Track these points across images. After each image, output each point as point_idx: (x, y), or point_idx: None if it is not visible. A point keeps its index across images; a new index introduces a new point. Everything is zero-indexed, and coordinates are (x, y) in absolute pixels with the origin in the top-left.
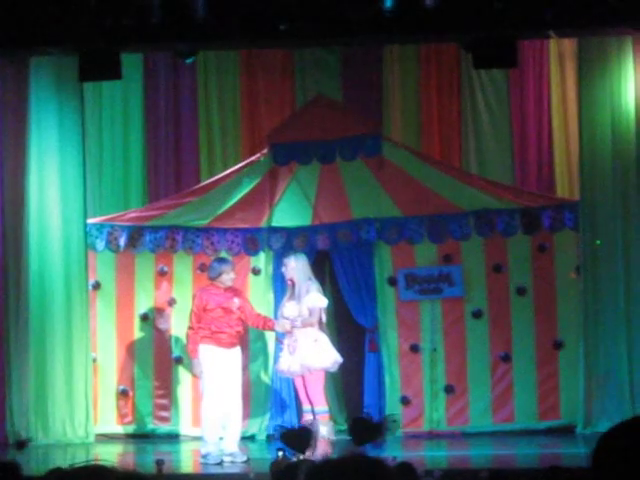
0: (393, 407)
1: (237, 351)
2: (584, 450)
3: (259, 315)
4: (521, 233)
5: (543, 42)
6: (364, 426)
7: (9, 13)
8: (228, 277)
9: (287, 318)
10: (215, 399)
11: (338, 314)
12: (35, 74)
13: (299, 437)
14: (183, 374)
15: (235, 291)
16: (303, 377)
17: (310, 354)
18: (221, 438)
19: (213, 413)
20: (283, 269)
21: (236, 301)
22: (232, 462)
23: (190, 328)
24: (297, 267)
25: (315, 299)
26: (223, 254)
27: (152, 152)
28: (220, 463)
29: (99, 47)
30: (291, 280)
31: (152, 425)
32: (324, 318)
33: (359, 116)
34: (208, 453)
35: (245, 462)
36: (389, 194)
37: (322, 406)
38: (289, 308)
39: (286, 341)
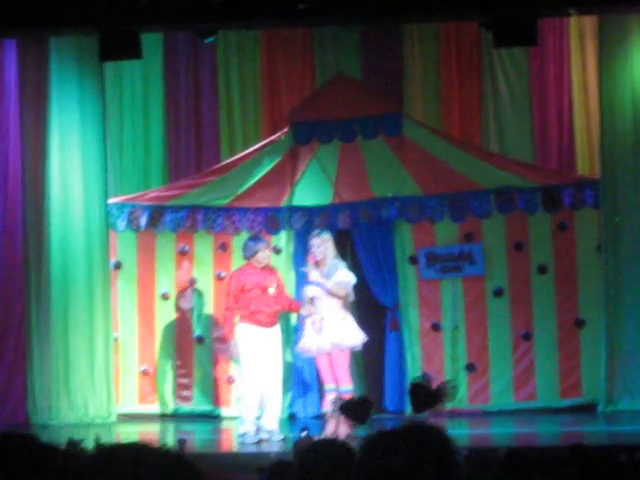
0: None
1: (277, 330)
2: (606, 428)
3: (288, 297)
4: (542, 211)
5: (563, 20)
6: (423, 392)
7: None
8: (264, 255)
9: (312, 298)
10: (255, 379)
11: (359, 293)
12: (55, 54)
13: (359, 407)
14: (204, 353)
15: (271, 270)
16: (329, 356)
17: (341, 332)
18: (258, 417)
19: (253, 393)
20: (314, 249)
21: (273, 280)
22: (270, 440)
23: (228, 309)
24: (327, 246)
25: (346, 275)
26: (244, 233)
27: (172, 132)
28: (258, 442)
29: (119, 27)
30: (315, 260)
31: (174, 405)
32: (352, 296)
33: (380, 94)
34: (245, 433)
35: (282, 440)
36: (410, 172)
37: (347, 385)
38: (314, 287)
39: (309, 320)
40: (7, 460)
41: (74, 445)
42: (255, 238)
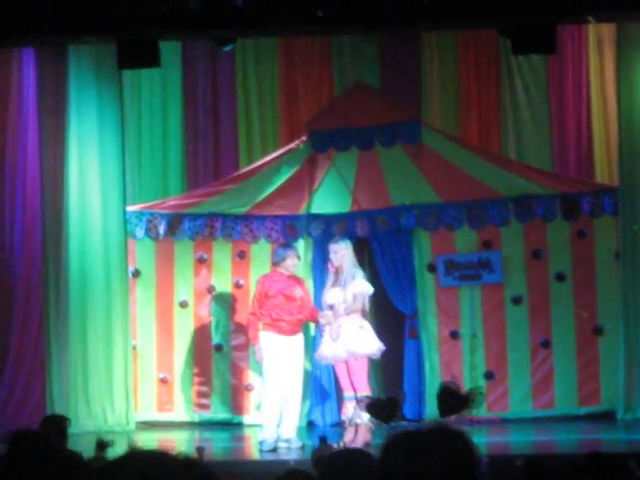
0: (433, 394)
1: (299, 338)
2: (624, 436)
3: (311, 307)
4: (560, 219)
5: (582, 28)
6: (452, 397)
7: (47, 2)
8: (292, 263)
9: (331, 305)
10: (276, 387)
11: (377, 301)
12: (74, 62)
13: (386, 407)
14: (223, 361)
15: (298, 280)
16: (347, 363)
17: (356, 340)
18: (278, 425)
19: (273, 400)
20: (331, 255)
21: (298, 290)
22: (288, 448)
23: (252, 314)
24: (346, 254)
25: (361, 286)
26: (262, 241)
27: (191, 140)
28: (274, 450)
29: (137, 35)
30: (334, 267)
31: (192, 412)
32: (367, 306)
33: (398, 103)
34: (264, 440)
35: (301, 448)
36: (428, 180)
37: (365, 393)
38: (333, 295)
39: (327, 328)
40: (20, 458)
41: (103, 446)
42: (285, 245)
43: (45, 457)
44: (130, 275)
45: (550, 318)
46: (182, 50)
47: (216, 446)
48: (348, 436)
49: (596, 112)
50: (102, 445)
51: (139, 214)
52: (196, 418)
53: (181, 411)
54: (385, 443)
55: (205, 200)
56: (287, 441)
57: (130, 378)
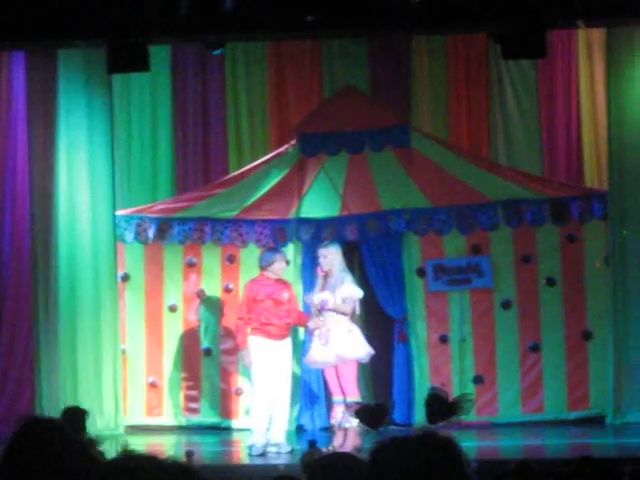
0: (422, 398)
1: (287, 343)
2: (613, 440)
3: (298, 311)
4: (550, 223)
5: (571, 32)
6: (440, 404)
7: (37, 5)
8: (280, 266)
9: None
10: (265, 391)
11: (367, 305)
12: (63, 67)
13: (374, 414)
14: (212, 365)
15: (285, 284)
16: (336, 368)
17: (345, 344)
18: (267, 429)
19: (262, 405)
20: (321, 259)
21: (286, 293)
22: (277, 453)
23: (240, 318)
24: (336, 258)
25: (351, 290)
26: (252, 245)
27: (180, 144)
28: (264, 454)
29: (127, 39)
30: (323, 271)
31: (181, 417)
32: (357, 310)
33: (388, 107)
34: (253, 444)
35: (289, 453)
36: (417, 185)
37: (354, 397)
38: (321, 298)
39: (317, 332)
40: (33, 445)
41: (92, 443)
42: (272, 249)
43: (52, 443)
44: (119, 279)
45: (540, 322)
46: (172, 54)
47: (205, 450)
48: (337, 440)
49: (586, 117)
50: (90, 443)
51: (128, 218)
52: (185, 422)
53: (170, 415)
54: (373, 448)
55: (194, 204)
56: (276, 445)
57: (119, 382)
